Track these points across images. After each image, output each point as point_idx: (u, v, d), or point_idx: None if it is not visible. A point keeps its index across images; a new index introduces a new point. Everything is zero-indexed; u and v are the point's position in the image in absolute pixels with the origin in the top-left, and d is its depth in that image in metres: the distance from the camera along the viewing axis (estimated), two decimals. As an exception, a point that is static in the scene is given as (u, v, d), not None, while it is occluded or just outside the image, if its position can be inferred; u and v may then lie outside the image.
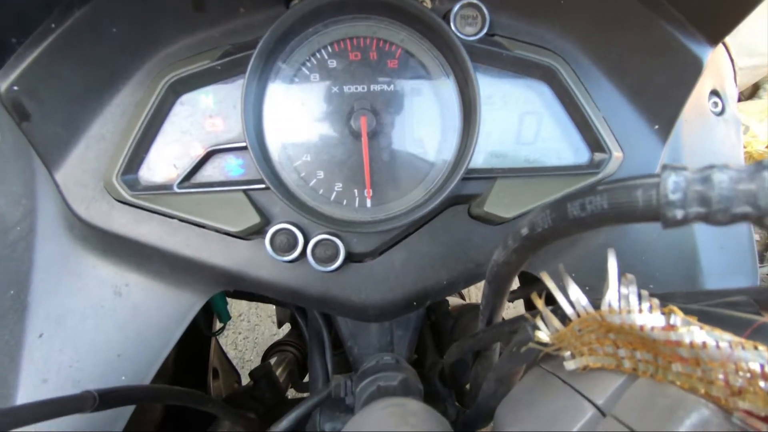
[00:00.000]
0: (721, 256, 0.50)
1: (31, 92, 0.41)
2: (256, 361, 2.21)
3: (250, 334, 2.36)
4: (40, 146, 0.43)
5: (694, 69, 0.43)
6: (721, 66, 0.57)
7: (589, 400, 0.28)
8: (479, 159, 0.45)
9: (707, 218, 0.18)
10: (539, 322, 0.30)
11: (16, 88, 0.40)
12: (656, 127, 0.46)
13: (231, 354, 2.17)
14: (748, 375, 0.21)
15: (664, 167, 0.19)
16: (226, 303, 0.67)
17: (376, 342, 0.54)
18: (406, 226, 0.45)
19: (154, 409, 0.66)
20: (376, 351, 0.54)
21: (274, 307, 2.44)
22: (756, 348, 0.21)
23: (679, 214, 0.19)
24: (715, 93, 0.57)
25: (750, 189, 0.17)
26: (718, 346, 0.22)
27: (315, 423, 0.54)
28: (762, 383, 0.21)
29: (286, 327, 1.35)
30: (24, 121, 0.41)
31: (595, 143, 0.45)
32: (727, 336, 0.22)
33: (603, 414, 0.27)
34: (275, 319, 2.36)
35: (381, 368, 0.45)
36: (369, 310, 0.47)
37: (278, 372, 0.87)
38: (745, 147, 2.34)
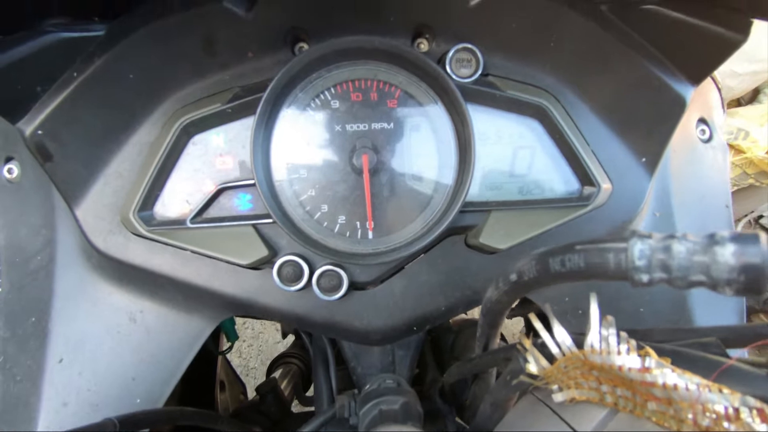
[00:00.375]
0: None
1: (53, 135, 0.43)
2: (261, 369, 2.23)
3: (254, 342, 2.38)
4: (62, 184, 0.46)
5: (677, 106, 0.46)
6: (708, 95, 0.60)
7: (573, 430, 0.30)
8: (475, 191, 0.48)
9: (669, 282, 0.21)
10: (529, 357, 0.33)
11: (40, 132, 0.43)
12: (643, 159, 0.49)
13: (235, 362, 2.20)
14: (714, 416, 0.24)
15: (632, 233, 0.22)
16: (234, 323, 0.69)
17: (379, 363, 0.56)
18: (406, 257, 0.47)
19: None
20: (378, 371, 0.57)
21: (278, 315, 2.45)
22: (721, 391, 0.24)
23: (645, 278, 0.21)
24: (702, 121, 0.60)
25: (704, 261, 0.19)
26: (687, 388, 0.24)
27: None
28: (725, 424, 0.23)
29: (290, 337, 1.37)
30: (47, 162, 0.44)
31: (584, 176, 0.48)
32: (696, 379, 0.24)
33: (586, 443, 0.29)
34: (279, 327, 2.38)
35: (383, 392, 0.48)
36: (371, 335, 0.49)
37: (283, 385, 0.90)
38: (744, 152, 2.35)
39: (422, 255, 0.49)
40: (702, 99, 0.59)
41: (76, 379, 0.49)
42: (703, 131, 0.59)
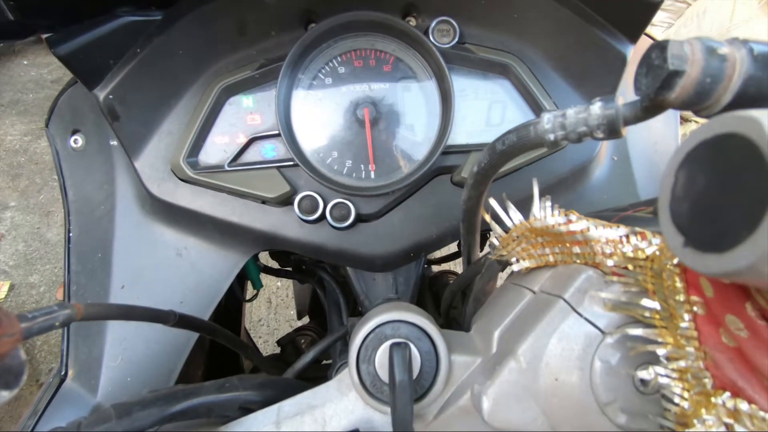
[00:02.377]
0: (656, 185, 0.62)
1: (121, 99, 0.55)
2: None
3: (270, 338, 2.46)
4: (125, 140, 0.57)
5: (620, 61, 0.56)
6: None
7: (528, 288, 0.40)
8: (457, 138, 0.58)
9: (566, 138, 0.31)
10: (493, 239, 0.42)
11: (111, 97, 0.54)
12: (597, 108, 0.59)
13: (253, 355, 2.28)
14: (613, 243, 0.33)
15: (543, 112, 0.32)
16: (259, 273, 0.80)
17: (384, 293, 0.66)
18: (402, 191, 0.57)
19: (199, 363, 0.78)
20: (383, 301, 0.67)
21: (292, 311, 2.55)
22: (617, 227, 0.33)
23: (551, 137, 0.31)
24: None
25: (584, 116, 0.29)
26: (596, 228, 0.34)
27: (335, 363, 0.66)
28: (620, 247, 0.33)
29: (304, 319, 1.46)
30: (115, 122, 0.56)
31: (548, 123, 0.58)
32: (601, 222, 0.34)
33: (535, 293, 0.39)
34: (292, 324, 2.48)
35: (385, 302, 0.57)
36: (376, 260, 0.59)
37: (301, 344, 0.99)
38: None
39: (416, 192, 0.59)
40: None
41: (135, 302, 0.60)
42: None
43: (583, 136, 0.30)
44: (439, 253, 1.23)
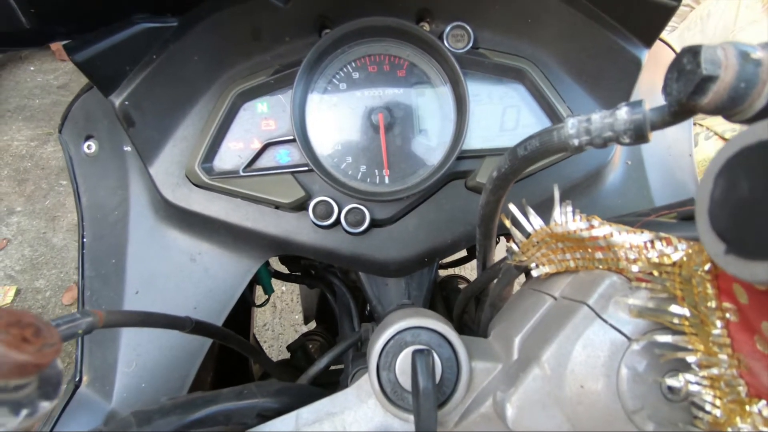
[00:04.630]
0: (670, 190, 0.62)
1: (136, 105, 0.55)
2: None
3: (274, 343, 2.46)
4: (140, 146, 0.57)
5: (634, 65, 0.56)
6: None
7: (548, 294, 0.40)
8: (471, 143, 0.58)
9: (591, 143, 0.31)
10: (512, 246, 0.42)
11: (126, 103, 0.55)
12: (611, 112, 0.59)
13: (258, 360, 2.28)
14: (637, 249, 0.33)
15: (567, 117, 0.32)
16: (271, 278, 0.79)
17: (397, 299, 0.66)
18: (416, 196, 0.57)
19: (208, 368, 0.78)
20: (396, 306, 0.66)
21: (297, 316, 2.55)
22: (642, 232, 0.33)
23: (576, 142, 0.31)
24: (667, 87, 0.69)
25: (610, 122, 0.29)
26: (619, 234, 0.34)
27: (348, 370, 0.66)
28: (645, 252, 0.33)
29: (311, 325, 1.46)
30: (130, 127, 0.56)
31: (562, 127, 0.58)
32: (625, 228, 0.34)
33: (555, 299, 0.39)
34: (297, 329, 2.47)
35: (400, 308, 0.57)
36: (390, 265, 0.59)
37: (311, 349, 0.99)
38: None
39: (430, 197, 0.59)
40: (666, 66, 0.69)
41: (149, 307, 0.59)
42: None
43: (608, 141, 0.30)
44: (448, 257, 1.22)
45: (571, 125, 0.31)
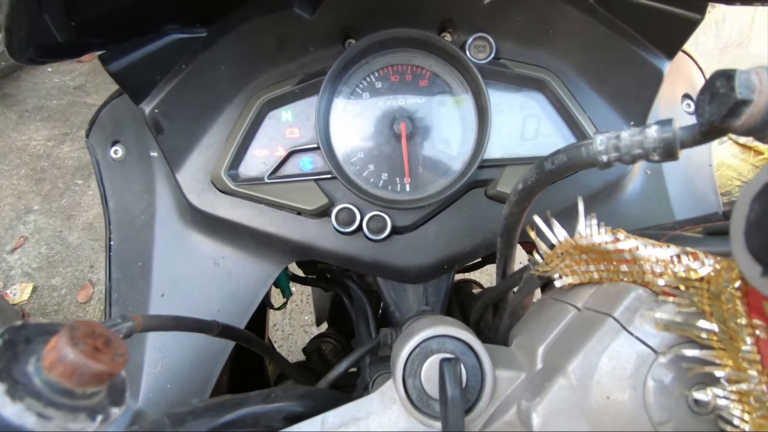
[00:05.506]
0: (689, 200, 0.62)
1: (165, 113, 0.57)
2: (292, 368, 2.33)
3: (284, 343, 2.48)
4: (168, 152, 0.59)
5: (655, 77, 0.56)
6: (691, 74, 0.70)
7: (571, 305, 0.40)
8: (492, 152, 0.59)
9: (620, 159, 0.31)
10: (536, 256, 0.43)
11: (156, 111, 0.56)
12: (632, 123, 0.59)
13: (269, 360, 2.30)
14: (663, 263, 0.34)
15: (595, 133, 0.32)
16: (289, 281, 0.81)
17: (415, 305, 0.67)
18: (437, 204, 0.58)
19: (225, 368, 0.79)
20: (415, 313, 0.67)
21: (307, 317, 2.57)
22: (668, 246, 0.34)
23: (605, 158, 0.32)
24: (687, 96, 0.70)
25: (639, 139, 0.30)
26: (645, 247, 0.34)
27: (365, 374, 0.67)
28: (671, 266, 0.33)
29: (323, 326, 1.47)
30: (159, 134, 0.58)
31: (582, 138, 0.58)
32: (650, 241, 0.34)
33: (579, 310, 0.39)
34: (307, 329, 2.49)
35: (420, 314, 0.58)
36: (410, 272, 0.60)
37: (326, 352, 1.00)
38: (763, 153, 2.39)
39: (450, 205, 0.60)
40: (686, 77, 0.70)
41: (174, 309, 0.61)
42: (688, 105, 0.69)
43: (637, 158, 0.31)
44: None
45: (600, 142, 0.32)
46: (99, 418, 0.16)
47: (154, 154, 0.65)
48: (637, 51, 0.55)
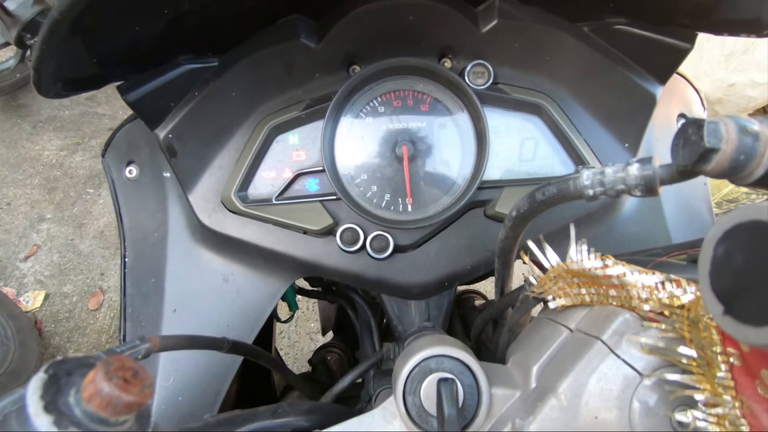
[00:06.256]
0: (684, 218, 0.64)
1: (179, 138, 0.60)
2: (298, 376, 2.36)
3: (290, 350, 2.50)
4: (181, 174, 0.62)
5: (649, 101, 0.58)
6: (686, 93, 0.72)
7: (565, 326, 0.42)
8: (491, 173, 0.61)
9: (605, 193, 0.33)
10: (531, 278, 0.45)
11: (170, 135, 0.59)
12: (626, 145, 0.61)
13: (275, 368, 2.32)
14: (649, 289, 0.36)
15: (581, 167, 0.34)
16: (296, 295, 0.83)
17: (418, 320, 0.69)
18: (438, 224, 0.60)
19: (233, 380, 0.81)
20: (417, 328, 0.69)
21: (313, 324, 2.58)
22: (653, 273, 0.36)
23: (590, 192, 0.34)
24: (682, 116, 0.71)
25: (622, 176, 0.32)
26: (632, 273, 0.36)
27: (369, 387, 0.69)
28: (656, 292, 0.35)
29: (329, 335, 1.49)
30: (173, 158, 0.60)
31: (578, 159, 0.61)
32: (637, 268, 0.36)
33: (571, 331, 0.41)
34: (313, 337, 2.51)
35: (422, 329, 0.60)
36: (412, 289, 0.62)
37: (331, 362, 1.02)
38: None
39: (451, 224, 0.62)
40: (681, 97, 0.71)
41: (185, 324, 0.64)
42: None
43: (621, 193, 0.33)
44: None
45: (586, 177, 0.34)
46: (129, 442, 0.19)
47: (167, 174, 0.68)
48: (631, 76, 0.57)
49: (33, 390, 0.18)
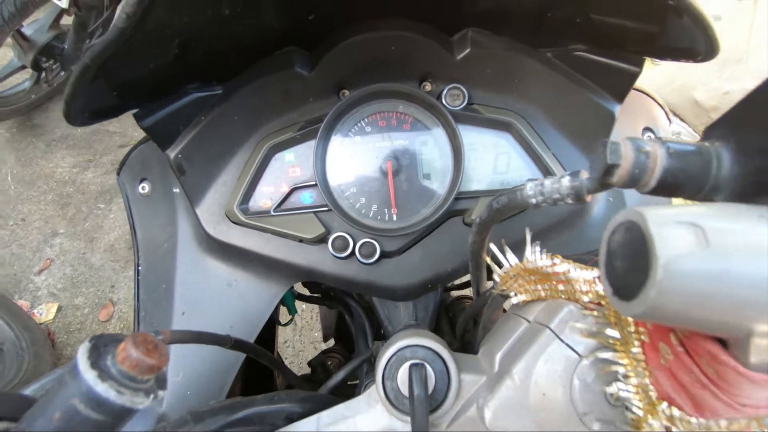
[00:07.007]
0: None
1: (187, 157, 0.67)
2: (302, 385, 2.40)
3: (295, 359, 2.54)
4: (189, 190, 0.69)
5: (608, 118, 0.64)
6: (651, 108, 0.78)
7: (524, 318, 0.48)
8: (468, 185, 0.68)
9: (545, 202, 0.39)
10: (495, 277, 0.51)
11: (180, 155, 0.66)
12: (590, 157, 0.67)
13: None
14: (588, 283, 0.41)
15: (528, 180, 0.41)
16: (294, 300, 0.89)
17: (405, 319, 0.75)
18: (420, 231, 0.67)
19: (238, 378, 0.87)
20: (404, 327, 0.75)
21: (316, 333, 2.63)
22: (592, 269, 0.42)
23: (533, 201, 0.40)
24: (648, 129, 0.78)
25: (557, 186, 0.38)
26: (575, 270, 0.42)
27: (361, 383, 0.74)
28: (594, 285, 0.41)
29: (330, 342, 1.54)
30: (182, 175, 0.68)
31: (547, 172, 0.67)
32: (579, 265, 0.42)
33: (529, 323, 0.47)
34: (317, 346, 2.56)
35: (406, 328, 0.66)
36: (398, 291, 0.68)
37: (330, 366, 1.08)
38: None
39: (433, 231, 0.68)
40: (646, 112, 0.78)
41: (193, 326, 0.70)
42: (650, 137, 0.77)
43: (557, 201, 0.39)
44: (458, 280, 1.30)
45: (530, 188, 0.40)
46: (151, 396, 0.25)
47: (176, 190, 0.75)
48: (591, 96, 0.64)
49: (82, 353, 0.24)
